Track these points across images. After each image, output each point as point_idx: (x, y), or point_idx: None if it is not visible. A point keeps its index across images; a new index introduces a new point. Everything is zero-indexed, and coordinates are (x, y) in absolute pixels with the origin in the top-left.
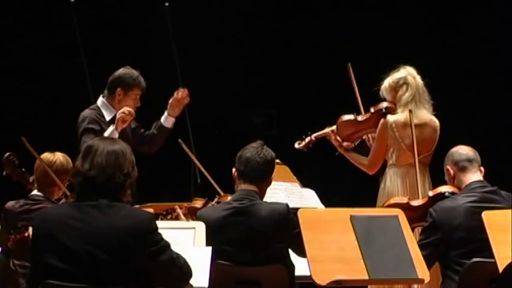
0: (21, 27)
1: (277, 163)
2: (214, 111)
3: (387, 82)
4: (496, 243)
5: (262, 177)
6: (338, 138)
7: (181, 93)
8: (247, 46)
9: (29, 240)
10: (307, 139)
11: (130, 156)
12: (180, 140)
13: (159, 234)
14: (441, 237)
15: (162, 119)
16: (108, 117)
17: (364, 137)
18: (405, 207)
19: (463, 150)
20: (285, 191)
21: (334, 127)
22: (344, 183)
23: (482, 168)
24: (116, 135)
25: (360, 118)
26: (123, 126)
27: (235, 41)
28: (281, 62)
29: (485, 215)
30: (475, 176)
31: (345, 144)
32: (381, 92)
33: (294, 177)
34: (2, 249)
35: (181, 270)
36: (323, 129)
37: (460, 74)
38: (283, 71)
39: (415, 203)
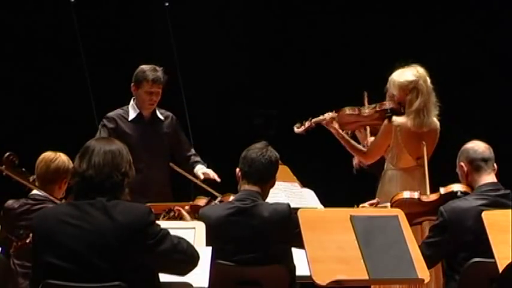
0: (21, 27)
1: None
2: (214, 111)
3: (397, 79)
4: (496, 243)
5: (265, 178)
6: (336, 125)
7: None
8: (247, 46)
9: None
10: (307, 124)
11: (127, 156)
12: (171, 164)
13: (157, 225)
14: (449, 239)
15: (195, 169)
16: (131, 117)
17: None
18: (415, 202)
19: (478, 148)
20: (285, 191)
21: (334, 114)
22: (344, 183)
23: (495, 165)
24: None
25: (363, 113)
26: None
27: (235, 41)
28: (281, 62)
29: (485, 215)
30: (489, 177)
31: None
32: (388, 84)
33: (294, 177)
34: (2, 249)
35: (185, 253)
36: (323, 114)
37: (459, 74)
38: (283, 71)
39: (427, 198)
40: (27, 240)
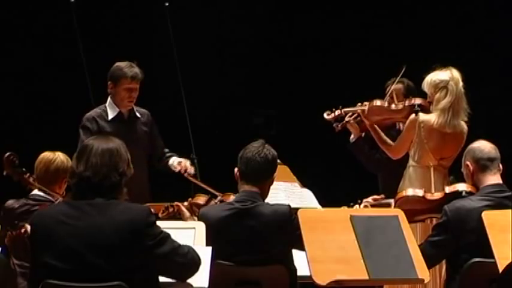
0: (21, 27)
1: (277, 163)
2: (214, 111)
3: (430, 78)
4: (496, 243)
5: (263, 178)
6: (367, 118)
7: (187, 169)
8: (247, 46)
9: (26, 237)
10: (337, 112)
11: (125, 154)
12: (185, 175)
13: (158, 226)
14: (451, 239)
15: (170, 161)
16: (110, 116)
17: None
18: (420, 200)
19: (484, 147)
20: (285, 191)
21: (365, 107)
22: (344, 183)
23: (501, 165)
24: None
25: (392, 107)
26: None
27: (235, 41)
28: (281, 62)
29: (485, 215)
30: (494, 177)
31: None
32: (422, 84)
33: (294, 177)
34: (2, 249)
35: (185, 257)
36: (354, 106)
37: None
38: (283, 71)
39: (431, 196)
40: (22, 230)
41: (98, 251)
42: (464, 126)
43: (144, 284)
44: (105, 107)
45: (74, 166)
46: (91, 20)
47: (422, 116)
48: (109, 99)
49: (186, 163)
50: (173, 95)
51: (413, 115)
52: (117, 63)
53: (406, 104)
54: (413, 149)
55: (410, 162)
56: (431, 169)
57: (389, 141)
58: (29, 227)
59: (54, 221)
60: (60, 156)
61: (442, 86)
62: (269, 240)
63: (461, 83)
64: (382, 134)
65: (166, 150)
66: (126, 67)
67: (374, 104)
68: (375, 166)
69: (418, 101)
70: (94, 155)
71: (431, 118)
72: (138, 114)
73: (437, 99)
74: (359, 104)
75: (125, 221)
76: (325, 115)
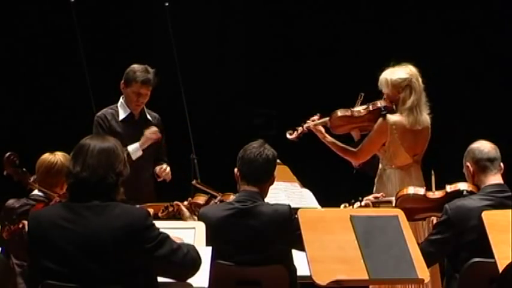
0: (21, 27)
1: (277, 163)
2: (215, 111)
3: (389, 77)
4: (496, 243)
5: (264, 178)
6: (323, 129)
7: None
8: (247, 46)
9: (23, 232)
10: (300, 129)
11: (121, 154)
12: (193, 182)
13: (156, 228)
14: (452, 236)
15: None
16: (121, 116)
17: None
18: (421, 199)
19: (484, 148)
20: (285, 191)
21: (327, 119)
22: (344, 183)
23: (502, 164)
24: (140, 153)
25: (355, 114)
26: (148, 143)
27: (235, 41)
28: (281, 62)
29: (485, 215)
30: (495, 177)
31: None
32: (379, 83)
33: (294, 177)
34: (2, 249)
35: (185, 257)
36: (318, 119)
37: (460, 73)
38: (283, 71)
39: (432, 195)
40: (20, 225)
41: (95, 256)
42: (428, 119)
43: (142, 286)
44: (117, 107)
45: (70, 166)
46: (91, 20)
47: (391, 118)
48: (121, 99)
49: (165, 170)
50: (173, 95)
51: (381, 119)
52: (134, 65)
53: (371, 109)
54: (387, 152)
55: (385, 166)
56: (408, 168)
57: (349, 147)
58: (26, 223)
59: (52, 224)
60: (60, 159)
61: (405, 85)
62: (269, 240)
63: (420, 78)
64: (339, 143)
65: (165, 159)
66: (140, 71)
67: (338, 115)
68: (371, 167)
69: (382, 103)
70: (91, 155)
71: (402, 119)
72: (149, 117)
73: (403, 99)
74: (317, 116)
75: (122, 225)
76: (287, 135)
